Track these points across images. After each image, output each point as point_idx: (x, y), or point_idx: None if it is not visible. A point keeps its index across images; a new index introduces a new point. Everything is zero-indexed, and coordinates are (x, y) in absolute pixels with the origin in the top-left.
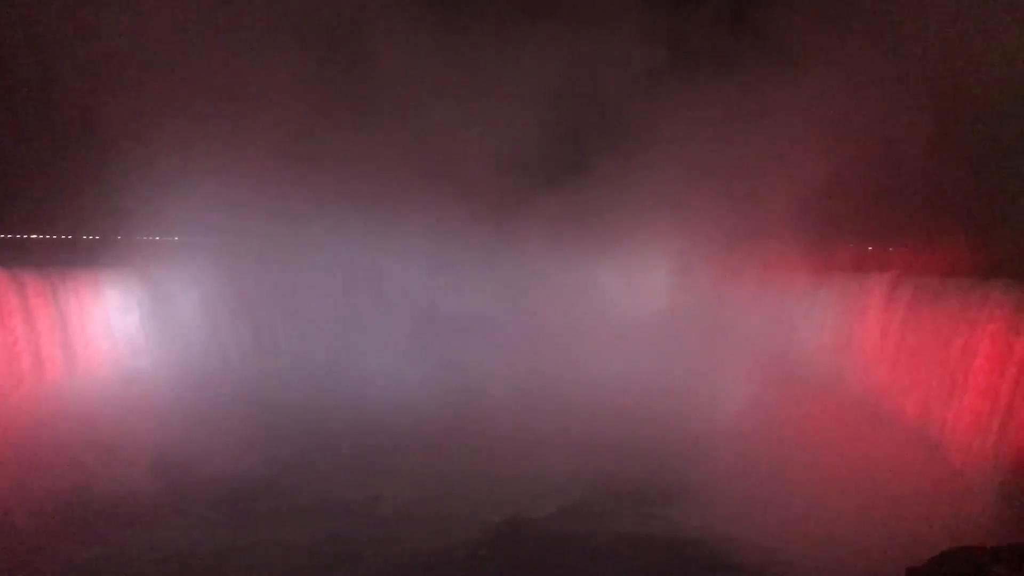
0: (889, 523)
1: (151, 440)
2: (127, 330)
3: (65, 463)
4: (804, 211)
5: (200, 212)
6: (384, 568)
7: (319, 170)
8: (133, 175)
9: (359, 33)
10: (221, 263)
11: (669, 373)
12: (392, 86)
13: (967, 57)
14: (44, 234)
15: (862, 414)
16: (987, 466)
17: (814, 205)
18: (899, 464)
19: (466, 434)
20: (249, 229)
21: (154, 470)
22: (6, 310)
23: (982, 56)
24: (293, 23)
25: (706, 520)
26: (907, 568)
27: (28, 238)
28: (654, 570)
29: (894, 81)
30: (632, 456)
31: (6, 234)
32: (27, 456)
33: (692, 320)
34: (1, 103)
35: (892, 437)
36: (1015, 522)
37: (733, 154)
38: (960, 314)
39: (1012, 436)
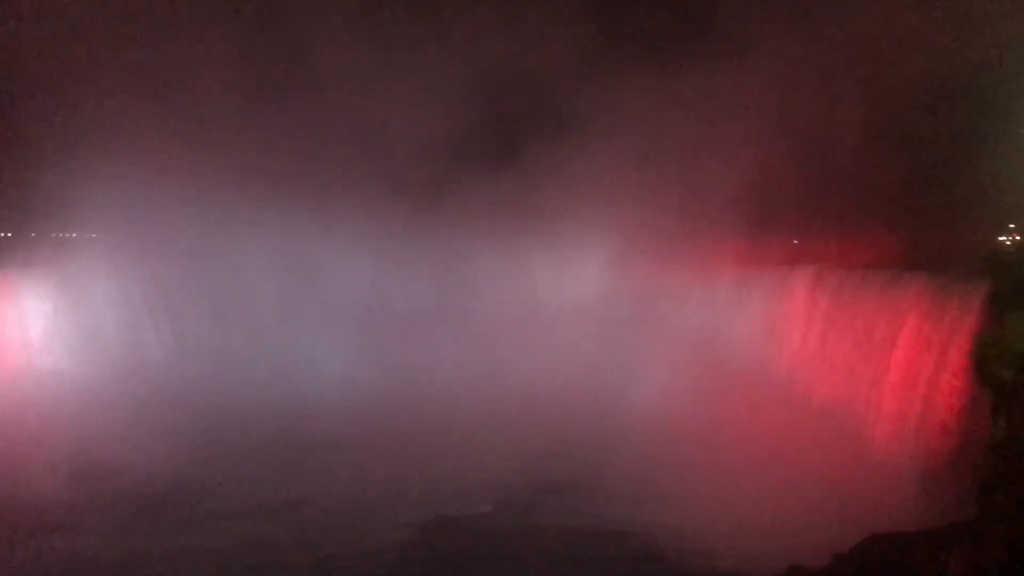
0: (814, 509)
1: (71, 445)
2: (42, 330)
3: None
4: (736, 203)
5: (119, 209)
6: (308, 571)
7: (247, 165)
8: (48, 172)
9: (289, 25)
10: (141, 260)
11: (600, 365)
12: (323, 78)
13: (896, 54)
14: None
15: (788, 403)
16: (908, 453)
17: (746, 197)
18: (824, 451)
19: (399, 432)
20: (171, 226)
21: (74, 476)
22: None
23: (910, 53)
24: (217, 18)
25: (632, 511)
26: (833, 554)
27: None
28: (579, 562)
29: (826, 75)
30: (562, 451)
31: None
32: None
33: (623, 312)
34: None
35: (817, 425)
36: (935, 508)
37: (666, 145)
38: (881, 305)
39: (931, 423)
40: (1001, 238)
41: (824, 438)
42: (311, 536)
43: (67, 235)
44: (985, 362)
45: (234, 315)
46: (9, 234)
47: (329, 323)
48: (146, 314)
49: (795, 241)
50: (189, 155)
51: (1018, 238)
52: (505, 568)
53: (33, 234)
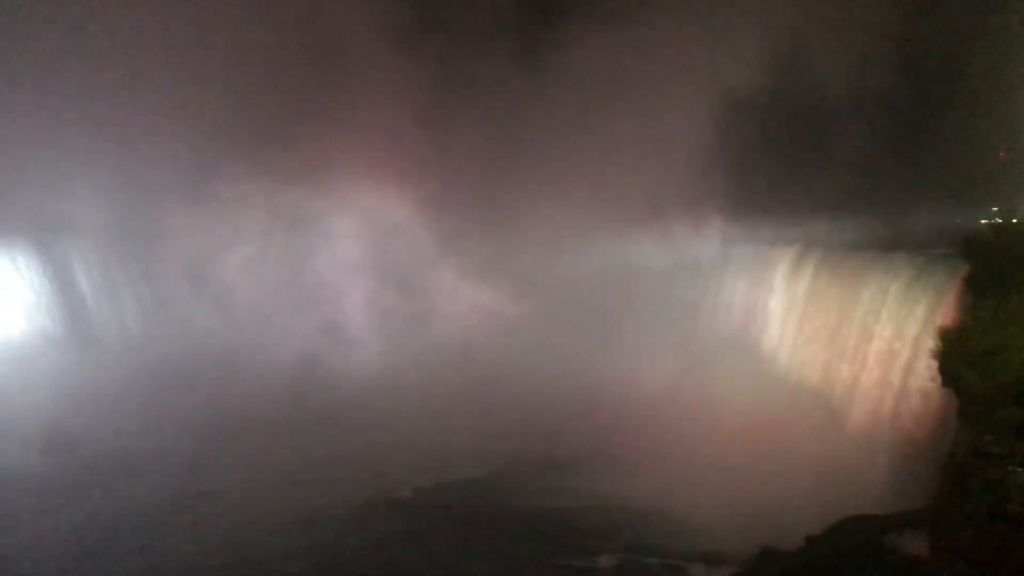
0: (791, 490)
1: (45, 418)
2: (20, 300)
3: None
4: (717, 179)
5: (99, 180)
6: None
7: (236, 139)
8: (36, 146)
9: None
10: (122, 230)
11: (584, 340)
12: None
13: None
14: None
15: (770, 379)
16: (884, 434)
17: (727, 172)
18: (802, 429)
19: (380, 409)
20: (152, 197)
21: (47, 451)
22: None
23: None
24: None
25: (610, 488)
26: (806, 536)
27: None
28: (551, 538)
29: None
30: (542, 428)
31: None
32: None
33: (607, 288)
34: None
35: (796, 404)
36: (908, 490)
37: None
38: (861, 284)
39: (907, 406)
40: (983, 221)
41: (803, 416)
42: (299, 496)
43: (49, 206)
44: (949, 360)
45: (214, 285)
46: None
47: (309, 304)
48: (125, 284)
49: (777, 220)
50: (177, 129)
51: (999, 220)
52: (489, 537)
53: (14, 204)
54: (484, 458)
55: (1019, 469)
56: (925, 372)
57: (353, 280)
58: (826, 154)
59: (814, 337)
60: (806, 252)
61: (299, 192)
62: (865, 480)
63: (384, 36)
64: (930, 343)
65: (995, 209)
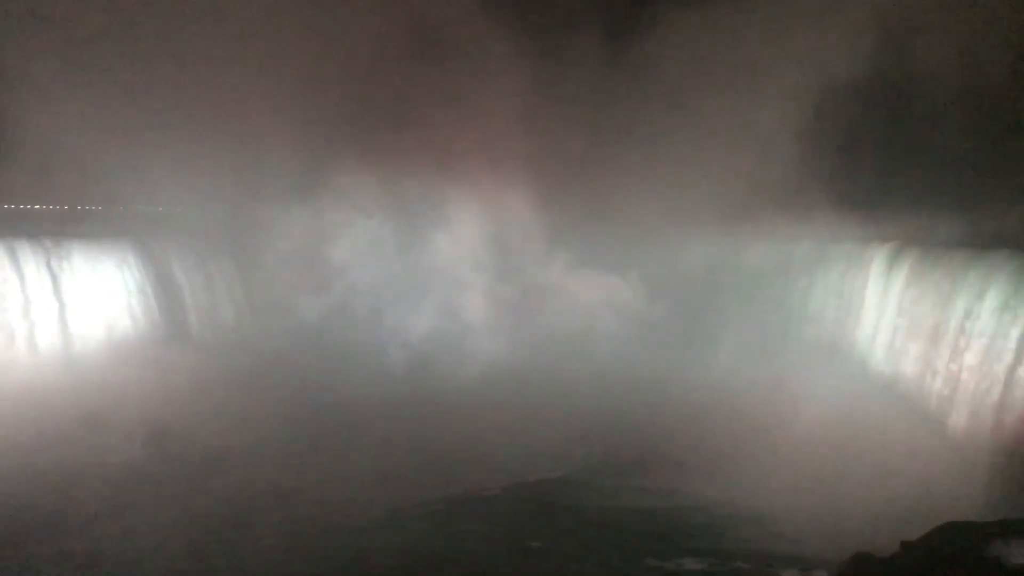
0: (885, 494)
1: (147, 412)
2: (123, 300)
3: (64, 439)
4: (814, 177)
5: (202, 181)
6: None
7: (347, 133)
8: (134, 149)
9: None
10: (221, 228)
11: (673, 338)
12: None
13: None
14: (41, 204)
15: (863, 381)
16: (985, 439)
17: (820, 177)
18: (898, 433)
19: (488, 402)
20: (257, 195)
21: (148, 445)
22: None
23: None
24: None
25: (699, 488)
26: (902, 542)
27: (24, 208)
28: (639, 537)
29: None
30: (629, 425)
31: (1, 204)
32: (28, 431)
33: (696, 285)
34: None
35: (891, 406)
36: (1012, 498)
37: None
38: (961, 283)
39: (1010, 410)
40: None
41: (898, 419)
42: (387, 493)
43: (153, 208)
44: None
45: (322, 279)
46: (100, 207)
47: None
48: (222, 282)
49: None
50: (274, 120)
51: None
52: (570, 533)
53: (122, 207)
54: (573, 456)
55: None
56: None
57: (467, 272)
58: (927, 147)
59: (910, 338)
60: (903, 249)
61: (411, 183)
62: (965, 486)
63: (488, 21)
64: None
65: None
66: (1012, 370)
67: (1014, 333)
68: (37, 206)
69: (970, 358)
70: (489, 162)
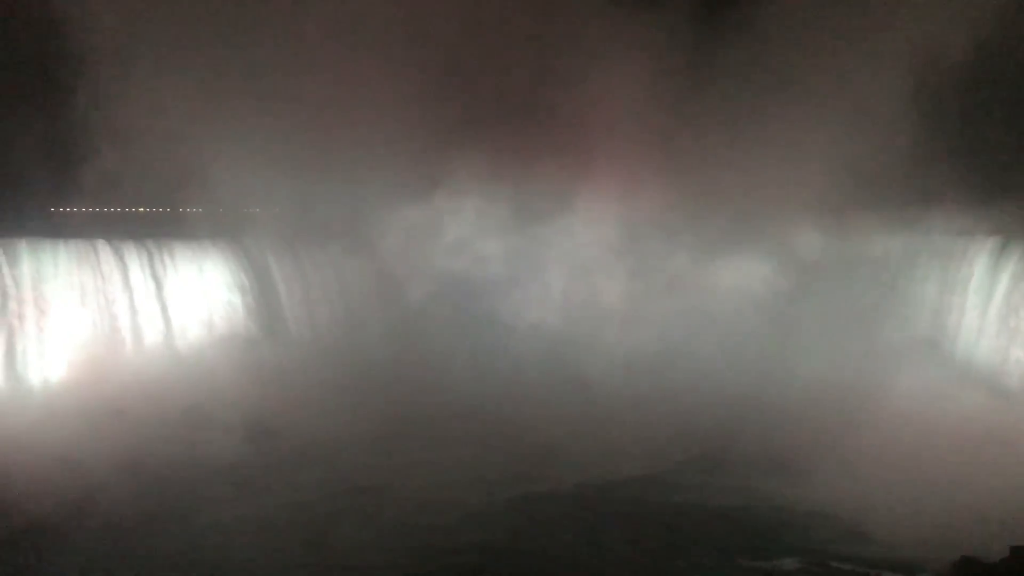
0: (992, 498)
1: (245, 407)
2: (223, 299)
3: (167, 432)
4: (913, 165)
5: (299, 186)
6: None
7: (464, 132)
8: (235, 152)
9: None
10: (316, 235)
11: (761, 337)
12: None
13: None
14: (144, 207)
15: (964, 383)
16: None
17: (912, 166)
18: (1003, 437)
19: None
20: (345, 204)
21: (248, 439)
22: (107, 280)
23: None
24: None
25: (793, 490)
26: (1011, 546)
27: (129, 211)
28: (733, 536)
29: None
30: (717, 425)
31: (107, 208)
32: (130, 425)
33: (783, 283)
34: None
35: (995, 409)
36: None
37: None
38: None
39: None
40: None
41: (1003, 421)
42: (469, 497)
43: (251, 211)
44: None
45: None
46: (200, 209)
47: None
48: (319, 287)
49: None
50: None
51: None
52: (659, 531)
53: (221, 209)
54: (667, 454)
55: None
56: None
57: (587, 264)
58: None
59: (1016, 338)
60: (1008, 243)
61: (531, 174)
62: None
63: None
64: None
65: None
66: None
67: None
68: (141, 209)
69: None
70: (614, 148)
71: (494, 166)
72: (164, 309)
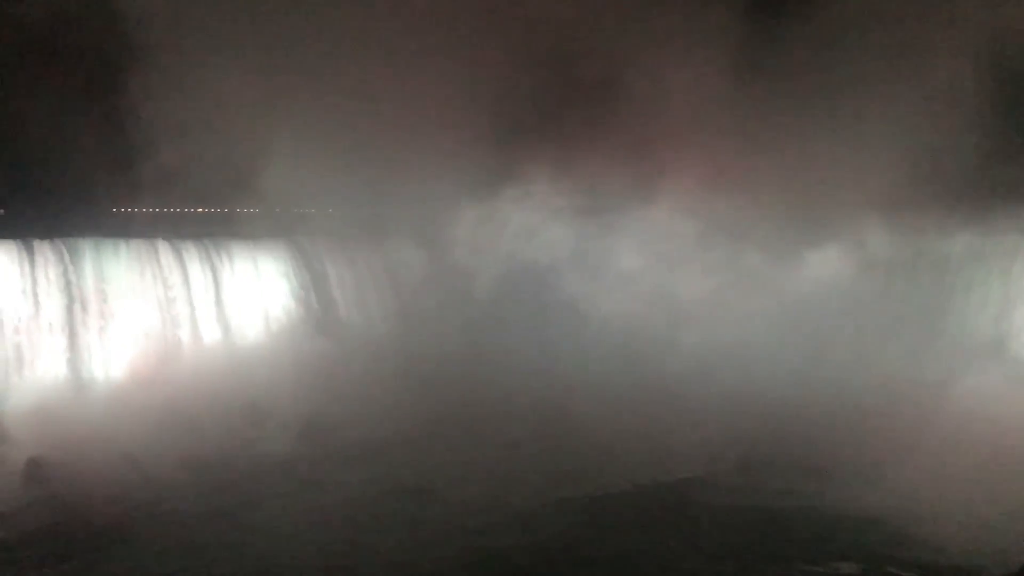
0: None
1: (299, 404)
2: (279, 297)
3: (222, 428)
4: (972, 171)
5: (350, 188)
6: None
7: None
8: (290, 152)
9: None
10: (372, 233)
11: (822, 341)
12: None
13: None
14: (203, 207)
15: None
16: None
17: (982, 163)
18: None
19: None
20: (395, 205)
21: (303, 435)
22: (167, 279)
23: None
24: None
25: (853, 494)
26: None
27: (188, 211)
28: (792, 543)
29: None
30: (778, 428)
31: (167, 208)
32: (190, 422)
33: (860, 291)
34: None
35: None
36: None
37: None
38: None
39: None
40: None
41: None
42: (518, 498)
43: (305, 211)
44: None
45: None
46: (257, 209)
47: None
48: (371, 280)
49: None
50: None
51: None
52: (713, 534)
53: (277, 209)
54: (724, 456)
55: None
56: None
57: (667, 259)
58: None
59: None
60: None
61: (604, 171)
62: None
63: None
64: None
65: None
66: None
67: None
68: (200, 209)
69: None
70: (687, 141)
71: (563, 158)
72: (222, 307)
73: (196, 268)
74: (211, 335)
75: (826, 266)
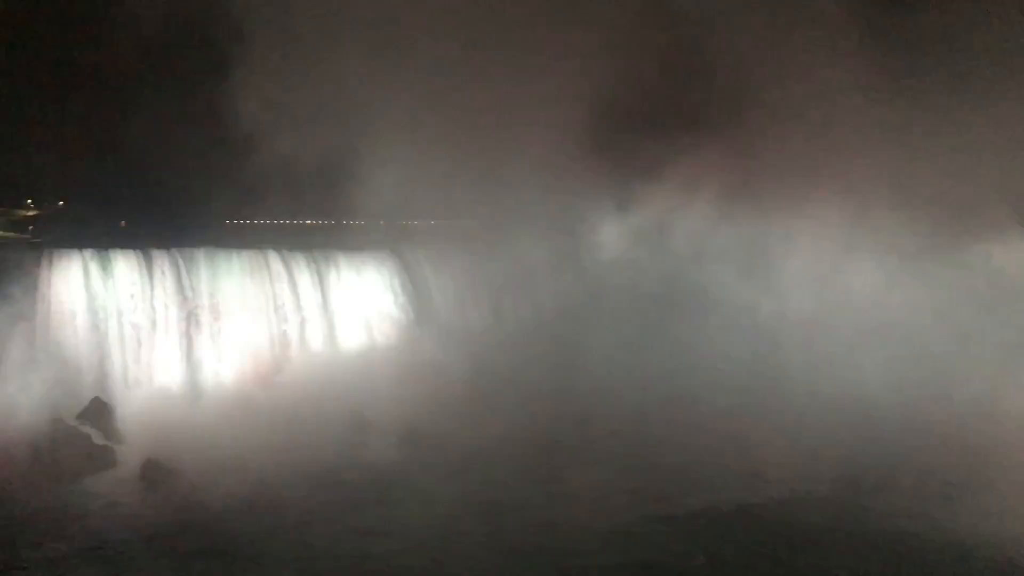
0: None
1: (401, 412)
2: (383, 306)
3: (328, 435)
4: None
5: (452, 200)
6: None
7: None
8: (393, 167)
9: None
10: (466, 245)
11: (915, 357)
12: None
13: None
14: (312, 220)
15: None
16: None
17: None
18: None
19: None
20: (491, 217)
21: (404, 443)
22: (276, 288)
23: None
24: None
25: (944, 517)
26: None
27: (297, 223)
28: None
29: None
30: (875, 448)
31: (277, 220)
32: (295, 427)
33: (942, 300)
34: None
35: None
36: None
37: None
38: None
39: None
40: None
41: None
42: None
43: (408, 222)
44: None
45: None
46: (362, 221)
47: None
48: (469, 290)
49: None
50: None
51: None
52: (805, 553)
53: (382, 221)
54: (818, 475)
55: None
56: None
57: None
58: None
59: None
60: None
61: (709, 187)
62: None
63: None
64: None
65: None
66: None
67: None
68: (308, 221)
69: None
70: (807, 149)
71: (683, 165)
72: (328, 315)
73: (304, 277)
74: (318, 343)
75: (952, 280)
